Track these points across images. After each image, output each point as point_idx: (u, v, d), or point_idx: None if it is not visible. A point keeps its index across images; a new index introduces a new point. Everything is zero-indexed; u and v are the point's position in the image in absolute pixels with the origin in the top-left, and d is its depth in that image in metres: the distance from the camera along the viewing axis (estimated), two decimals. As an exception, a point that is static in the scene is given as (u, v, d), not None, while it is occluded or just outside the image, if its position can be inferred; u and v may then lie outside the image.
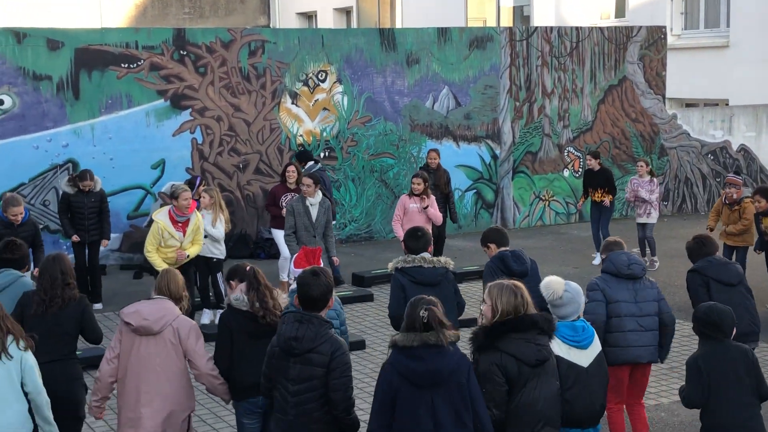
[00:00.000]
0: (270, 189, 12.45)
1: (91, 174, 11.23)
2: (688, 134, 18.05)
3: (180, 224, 9.47)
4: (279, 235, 11.69)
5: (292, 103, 14.72)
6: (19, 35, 12.92)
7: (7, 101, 12.87)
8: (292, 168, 11.76)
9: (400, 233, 10.77)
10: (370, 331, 10.27)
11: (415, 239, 7.15)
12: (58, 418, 5.73)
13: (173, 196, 9.64)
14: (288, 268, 11.60)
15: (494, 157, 16.47)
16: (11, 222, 9.43)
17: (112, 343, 5.90)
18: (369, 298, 11.60)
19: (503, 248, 7.24)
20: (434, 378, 4.62)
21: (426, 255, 7.06)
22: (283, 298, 5.94)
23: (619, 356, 6.50)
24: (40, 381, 5.50)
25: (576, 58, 17.01)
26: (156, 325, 5.73)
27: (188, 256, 9.68)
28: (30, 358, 5.47)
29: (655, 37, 17.70)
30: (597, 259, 12.95)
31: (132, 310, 5.82)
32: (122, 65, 13.49)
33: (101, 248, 11.49)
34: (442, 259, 7.09)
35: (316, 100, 14.91)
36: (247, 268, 5.97)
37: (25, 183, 12.93)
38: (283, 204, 11.56)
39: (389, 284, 12.05)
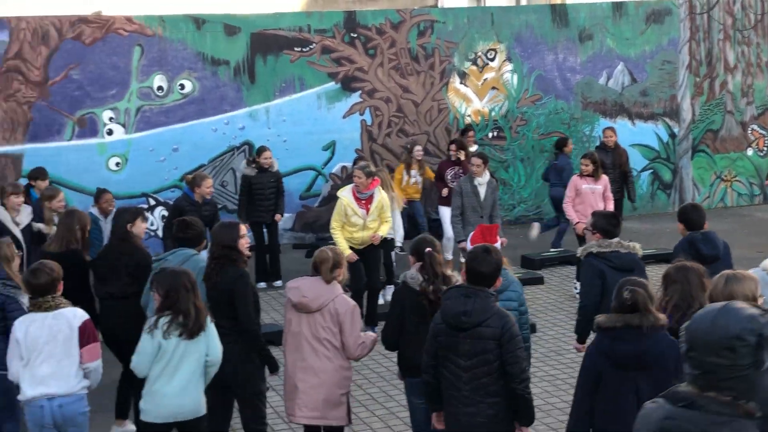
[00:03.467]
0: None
1: (268, 149, 11.58)
2: None
3: (363, 201, 9.36)
4: (444, 212, 11.72)
5: (461, 82, 14.60)
6: (198, 21, 13.41)
7: (188, 86, 13.40)
8: (453, 147, 11.87)
9: (573, 216, 10.54)
10: (540, 314, 10.06)
11: (613, 224, 6.80)
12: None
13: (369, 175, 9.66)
14: (451, 248, 11.60)
15: (672, 135, 15.78)
16: (196, 200, 9.82)
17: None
18: (539, 281, 11.37)
19: (693, 231, 6.81)
20: (638, 360, 4.57)
21: (621, 240, 6.74)
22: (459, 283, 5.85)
23: None
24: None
25: (761, 31, 16.02)
26: (313, 303, 5.80)
27: (381, 236, 9.58)
28: (213, 329, 5.72)
29: None
30: None
31: (294, 285, 5.92)
32: (295, 49, 13.76)
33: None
34: (631, 244, 6.77)
35: (485, 80, 14.72)
36: (426, 250, 5.89)
37: (204, 164, 13.44)
38: (448, 178, 11.60)
39: (559, 267, 12.00)
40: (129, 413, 7.21)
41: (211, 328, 5.68)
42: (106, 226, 9.81)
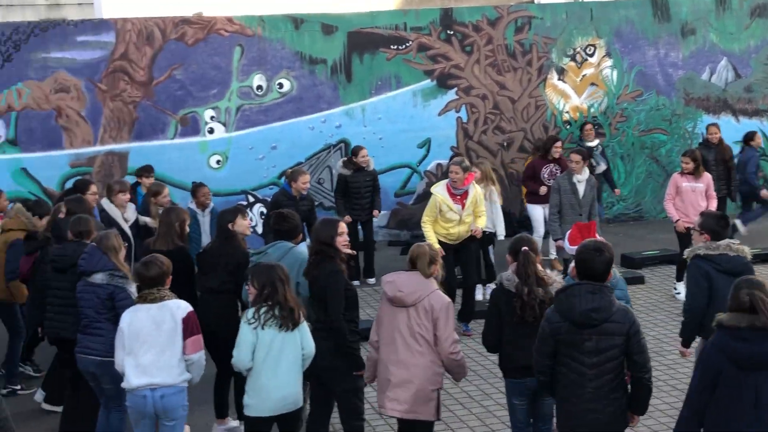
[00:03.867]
0: (528, 163, 12.33)
1: (364, 148, 11.63)
2: None
3: (458, 197, 9.35)
4: (533, 210, 11.59)
5: (559, 79, 14.43)
6: (296, 21, 13.59)
7: (286, 85, 13.59)
8: (559, 144, 11.65)
9: (674, 213, 10.33)
10: (640, 314, 9.86)
11: (722, 225, 6.62)
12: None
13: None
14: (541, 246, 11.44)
15: (778, 132, 15.29)
16: (293, 195, 9.99)
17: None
18: (639, 280, 11.16)
19: None
20: (760, 361, 4.53)
21: (730, 242, 6.57)
22: (557, 284, 5.79)
23: None
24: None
25: None
26: (409, 298, 5.82)
27: (482, 229, 9.57)
28: (305, 324, 5.84)
29: None
30: None
31: (390, 279, 5.95)
32: (391, 47, 13.82)
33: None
34: (740, 246, 6.57)
35: (583, 76, 14.52)
36: (522, 249, 5.86)
37: (301, 162, 13.60)
38: (545, 176, 11.46)
39: (660, 266, 11.74)
40: (228, 411, 7.34)
41: (304, 322, 5.78)
42: (204, 219, 10.05)
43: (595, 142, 12.73)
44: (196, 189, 10.31)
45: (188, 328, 5.81)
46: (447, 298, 5.92)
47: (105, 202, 9.39)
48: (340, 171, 11.69)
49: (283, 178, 11.60)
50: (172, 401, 5.78)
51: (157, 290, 5.86)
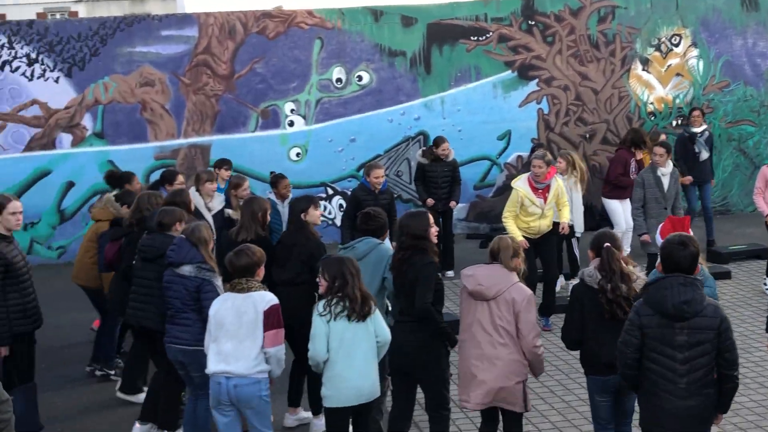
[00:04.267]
0: (615, 157, 11.99)
1: (445, 141, 11.55)
2: None
3: (540, 191, 9.24)
4: (611, 204, 11.35)
5: (643, 69, 14.15)
6: (376, 13, 13.61)
7: (366, 77, 13.62)
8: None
9: (763, 207, 10.06)
10: (727, 311, 9.52)
11: None
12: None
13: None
14: (626, 241, 11.22)
15: None
16: (372, 189, 9.96)
17: None
18: (726, 275, 10.86)
19: None
20: None
21: None
22: (641, 280, 5.68)
23: None
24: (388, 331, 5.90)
25: None
26: (489, 291, 5.77)
27: (567, 223, 9.53)
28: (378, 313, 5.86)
29: None
30: None
31: (469, 273, 5.91)
32: (471, 38, 13.73)
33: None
34: None
35: (668, 66, 14.20)
36: (605, 246, 5.75)
37: (380, 154, 13.64)
38: (632, 170, 11.23)
39: (747, 261, 11.42)
40: (300, 400, 7.37)
41: (376, 311, 5.79)
42: (284, 210, 10.10)
43: (701, 128, 12.23)
44: (277, 180, 10.25)
45: (269, 320, 5.83)
46: (528, 290, 5.87)
47: (191, 192, 9.52)
48: (419, 159, 11.68)
49: (362, 171, 11.63)
50: (245, 391, 5.81)
51: (245, 281, 5.90)
